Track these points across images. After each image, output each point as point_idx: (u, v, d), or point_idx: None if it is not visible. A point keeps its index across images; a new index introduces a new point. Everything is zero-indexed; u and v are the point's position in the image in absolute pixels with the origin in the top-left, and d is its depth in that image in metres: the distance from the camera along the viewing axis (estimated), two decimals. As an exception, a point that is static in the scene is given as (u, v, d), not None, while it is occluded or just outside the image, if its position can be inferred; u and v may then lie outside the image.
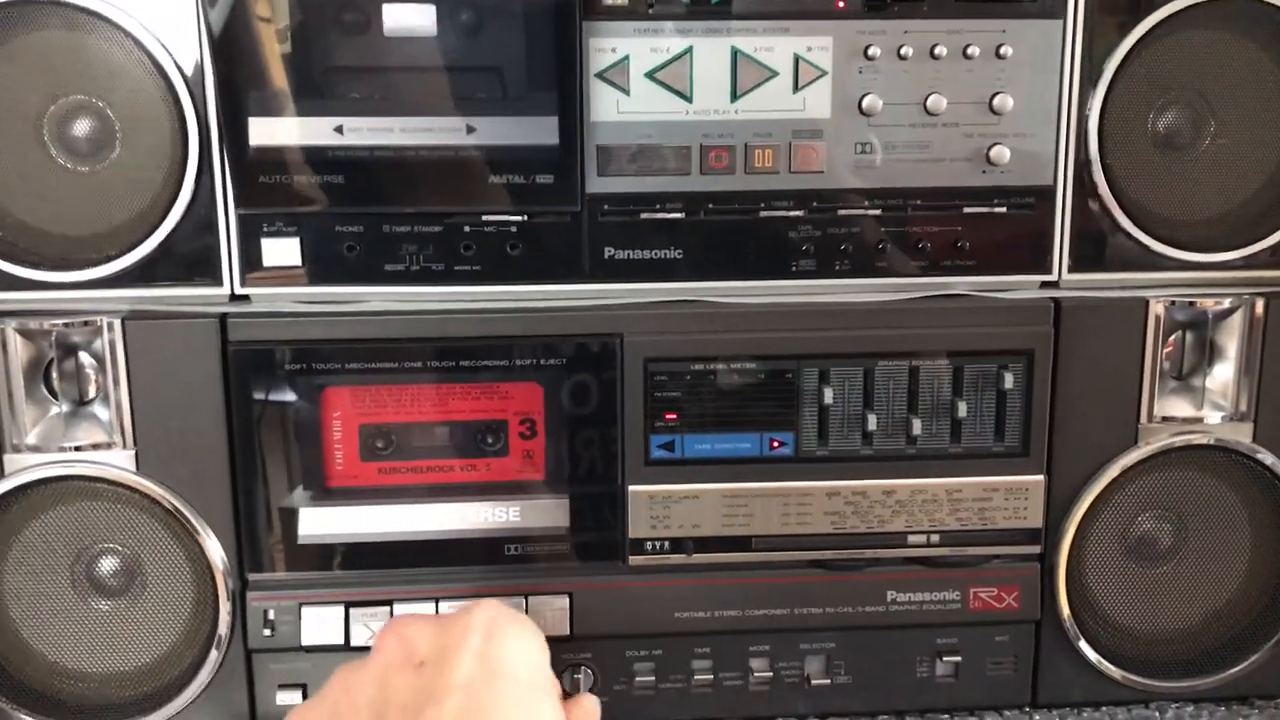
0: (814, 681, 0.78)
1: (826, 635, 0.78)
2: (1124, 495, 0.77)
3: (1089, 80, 0.72)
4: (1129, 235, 0.74)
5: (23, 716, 0.73)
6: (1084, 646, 0.78)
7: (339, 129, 0.68)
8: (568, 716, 0.60)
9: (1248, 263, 0.76)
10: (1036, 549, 0.77)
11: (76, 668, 0.74)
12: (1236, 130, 0.74)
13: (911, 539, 0.76)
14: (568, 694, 0.66)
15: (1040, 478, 0.76)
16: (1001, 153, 0.72)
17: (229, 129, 0.68)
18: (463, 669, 0.55)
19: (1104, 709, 0.80)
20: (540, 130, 0.69)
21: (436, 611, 0.74)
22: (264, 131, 0.68)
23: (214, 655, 0.74)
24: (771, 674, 0.78)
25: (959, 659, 0.79)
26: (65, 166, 0.69)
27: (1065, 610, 0.78)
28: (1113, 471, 0.76)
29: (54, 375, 0.71)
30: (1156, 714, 0.80)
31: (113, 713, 0.75)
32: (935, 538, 0.76)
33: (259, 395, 0.72)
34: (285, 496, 0.73)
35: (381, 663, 0.57)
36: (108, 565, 0.74)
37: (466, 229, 0.71)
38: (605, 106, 0.70)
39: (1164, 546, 0.79)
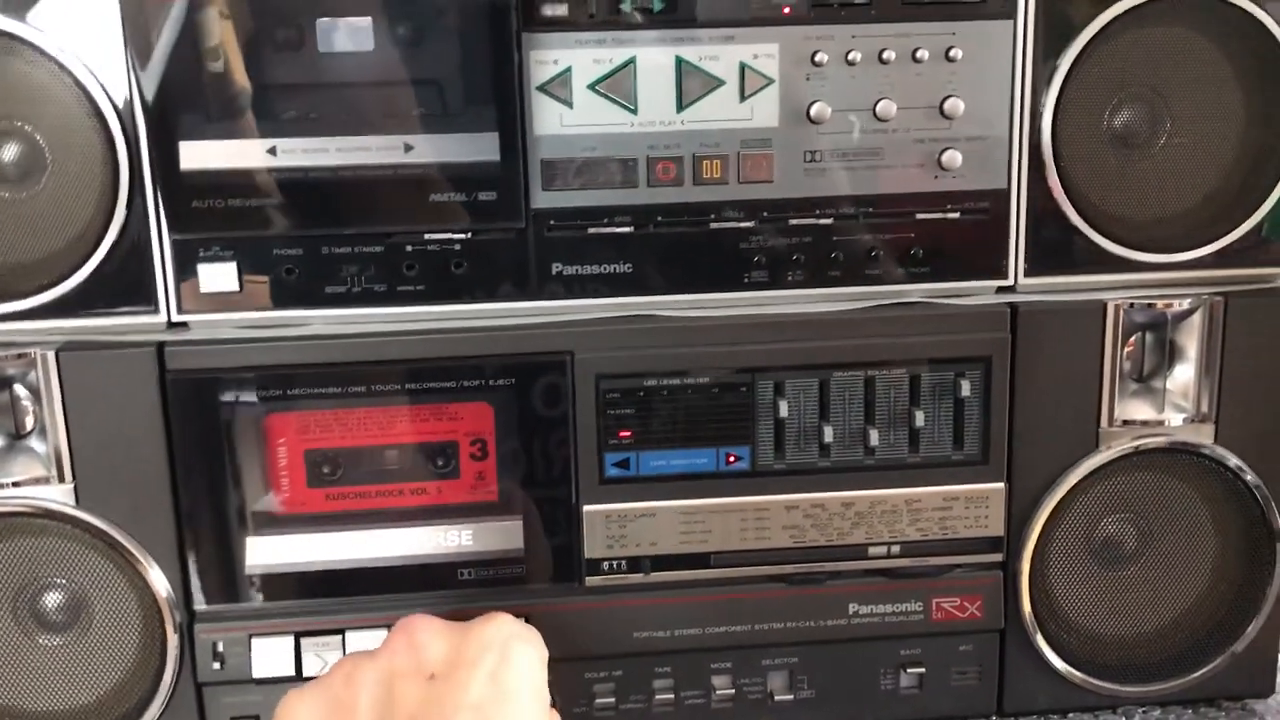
0: (777, 697, 0.77)
1: (789, 650, 0.77)
2: (1086, 500, 0.77)
3: (1042, 80, 0.71)
4: (1085, 237, 0.73)
5: (-33, 760, 0.72)
6: (1049, 653, 0.77)
7: (273, 150, 0.66)
8: None
9: (1206, 262, 0.75)
10: (999, 557, 0.76)
11: (21, 706, 0.73)
12: (1193, 128, 0.73)
13: (872, 550, 0.75)
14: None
15: (1001, 485, 0.75)
16: (954, 157, 0.71)
17: (159, 153, 0.66)
18: (475, 689, 0.55)
19: (1070, 715, 0.80)
20: (481, 146, 0.67)
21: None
22: (195, 155, 0.66)
23: (163, 690, 0.72)
24: (734, 691, 0.77)
25: (923, 670, 0.78)
26: (-7, 194, 0.67)
27: (1029, 618, 0.77)
28: (1074, 477, 0.75)
29: (-12, 408, 0.70)
30: (1123, 718, 0.79)
31: (62, 751, 0.73)
32: (896, 549, 0.75)
33: (200, 424, 0.70)
34: (230, 526, 0.71)
35: (389, 666, 0.57)
36: (51, 600, 0.72)
37: (409, 248, 0.69)
38: (548, 120, 0.68)
39: (1128, 551, 0.78)
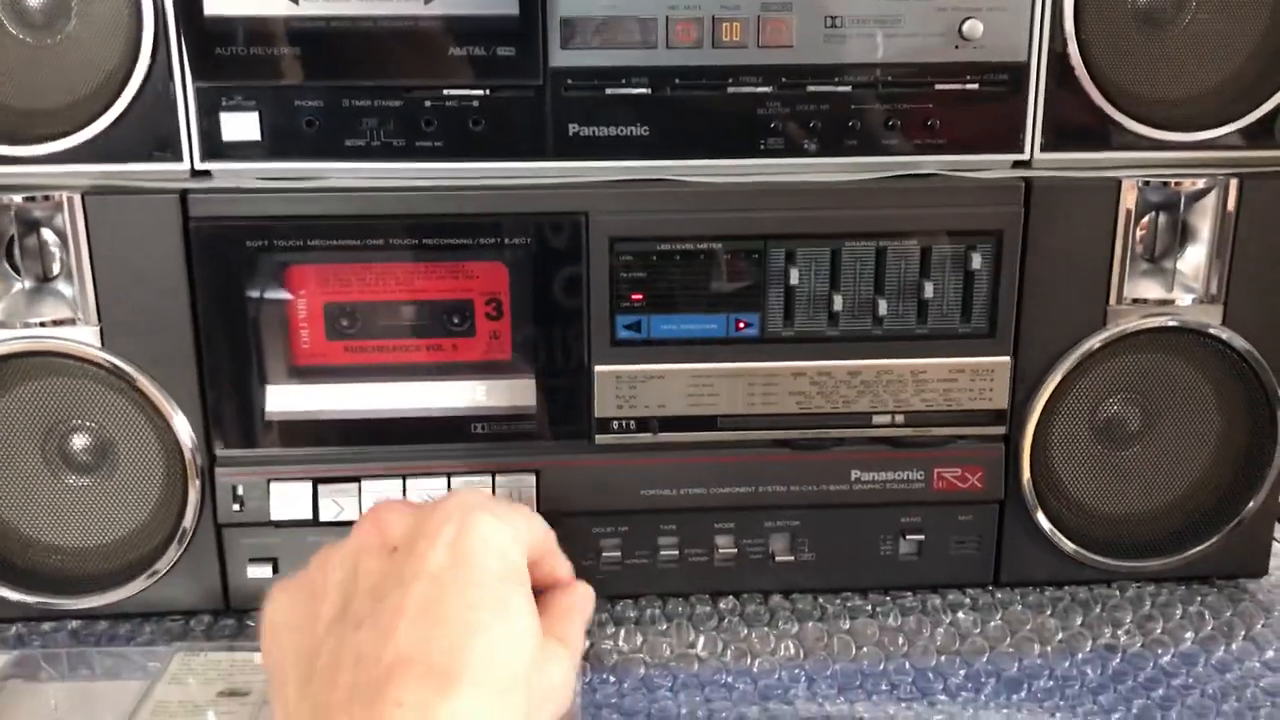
0: (778, 558, 0.79)
1: (791, 513, 0.79)
2: (1091, 378, 0.77)
3: (1067, -49, 0.71)
4: (1104, 114, 0.73)
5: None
6: (1047, 526, 0.79)
7: (295, -2, 0.67)
8: (553, 605, 0.61)
9: (1224, 143, 0.74)
10: (1001, 430, 0.78)
11: (52, 541, 0.76)
12: (1218, 6, 0.72)
13: (876, 419, 0.76)
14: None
15: (1006, 359, 0.76)
16: (975, 27, 0.71)
17: (183, -3, 0.67)
18: (433, 557, 0.55)
19: (1066, 588, 0.82)
20: (499, 0, 0.67)
21: (404, 489, 0.75)
22: (219, 1, 0.67)
23: (184, 530, 0.75)
24: (736, 551, 0.79)
25: (922, 538, 0.79)
26: (20, 38, 0.68)
27: (1029, 491, 0.78)
28: (1080, 353, 0.76)
29: (16, 251, 0.71)
30: (1117, 593, 0.81)
31: (89, 584, 0.76)
32: (900, 418, 0.76)
33: (222, 272, 0.71)
34: (251, 373, 0.73)
35: (356, 546, 0.57)
36: (78, 441, 0.74)
37: (428, 104, 0.70)
38: (568, -24, 0.69)
39: (1130, 429, 0.79)
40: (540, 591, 0.60)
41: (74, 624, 0.77)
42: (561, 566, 0.64)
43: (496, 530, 0.57)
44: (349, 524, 0.74)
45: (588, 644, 0.75)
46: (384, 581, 0.54)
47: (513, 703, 0.52)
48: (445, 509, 0.58)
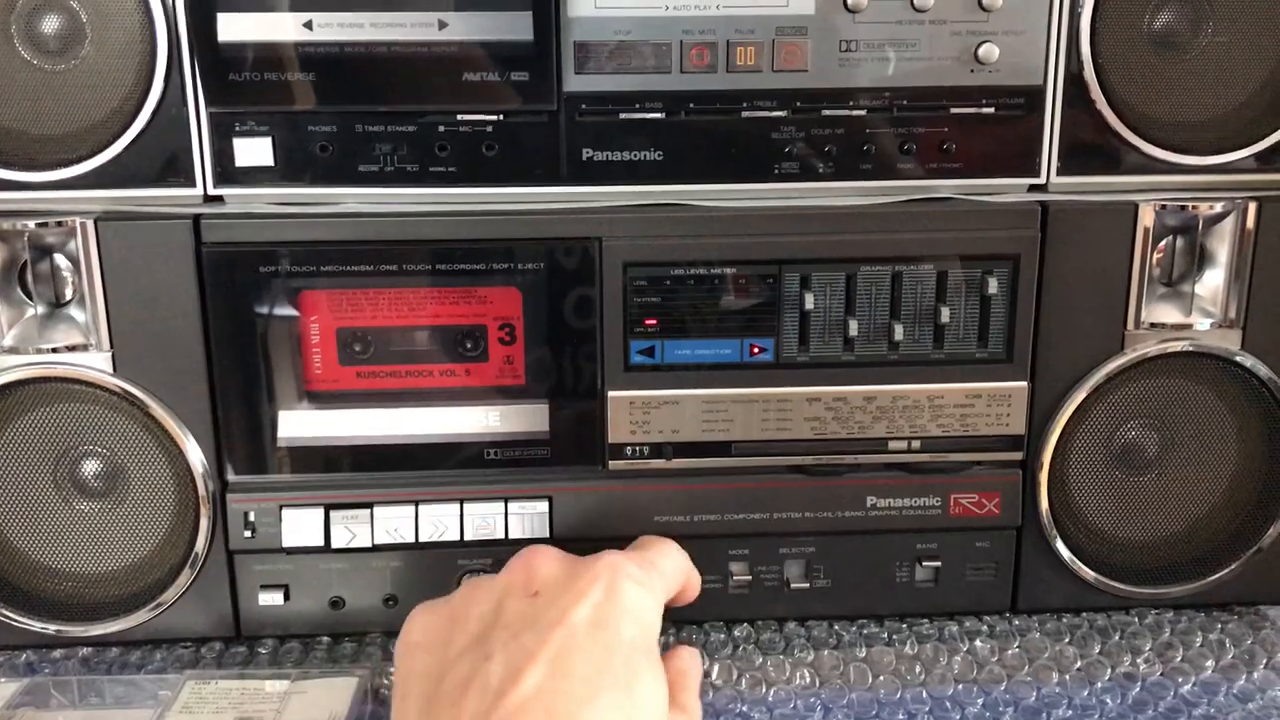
0: (793, 585, 0.79)
1: (806, 540, 0.78)
2: (1109, 402, 0.77)
3: (1083, -24, 0.70)
4: (1120, 137, 0.73)
5: (7, 614, 0.74)
6: (1065, 553, 0.78)
7: (308, 24, 0.67)
8: (669, 669, 0.61)
9: (1241, 166, 0.74)
10: (1019, 456, 0.77)
11: (61, 567, 0.75)
12: (1235, 29, 0.72)
13: (892, 445, 0.76)
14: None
15: (1024, 384, 0.75)
16: (990, 51, 0.71)
17: (197, 24, 0.67)
18: (577, 612, 0.57)
19: (1084, 615, 0.81)
20: (514, 25, 0.67)
21: (416, 515, 0.75)
22: (233, 27, 0.67)
23: (195, 556, 0.74)
24: (750, 578, 0.78)
25: (939, 564, 0.79)
26: (35, 65, 0.68)
27: (1046, 517, 0.78)
28: (1098, 378, 0.76)
29: (29, 277, 0.71)
30: (1136, 620, 0.80)
31: (99, 611, 0.75)
32: (916, 444, 0.76)
33: (234, 297, 0.71)
34: (263, 399, 0.73)
35: (504, 584, 0.60)
36: (89, 467, 0.74)
37: (441, 129, 0.70)
38: (582, 1, 0.68)
39: (1149, 454, 0.78)
40: None
41: (85, 651, 0.77)
42: (693, 584, 0.67)
43: (642, 599, 0.60)
44: (361, 550, 0.75)
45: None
46: (523, 622, 0.57)
47: None
48: (597, 569, 0.59)
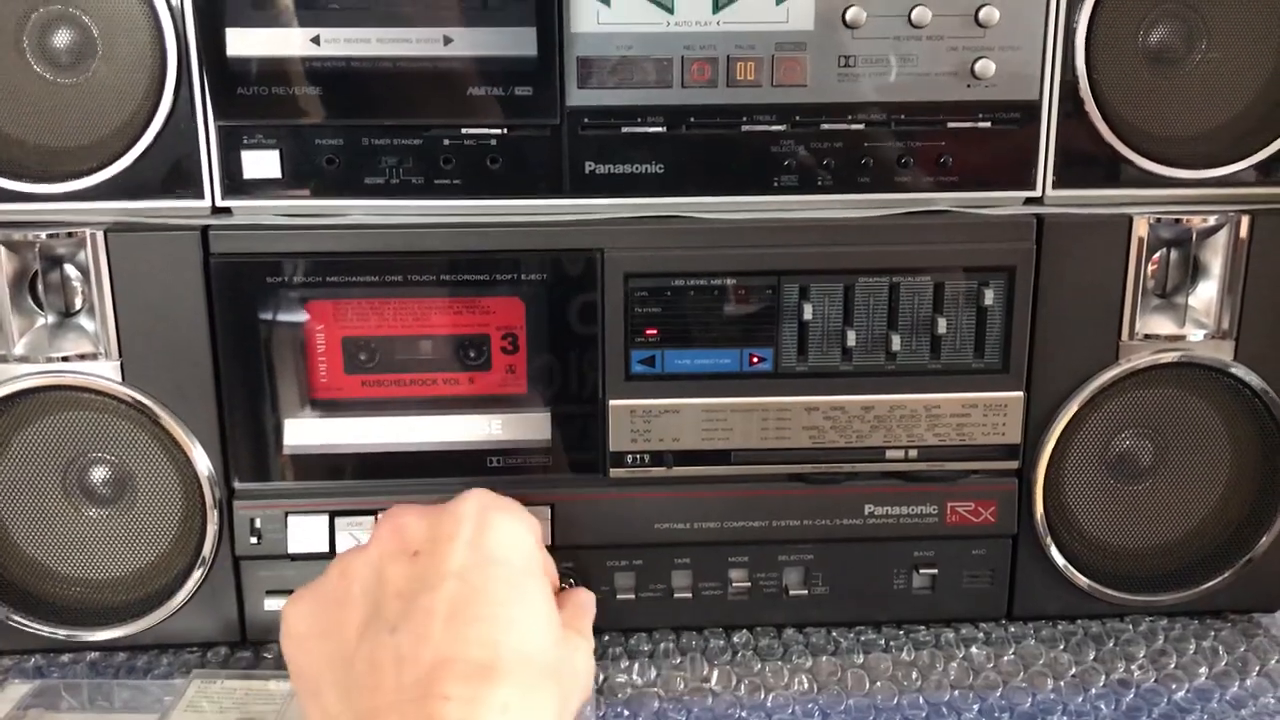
0: (792, 592, 0.79)
1: (804, 547, 0.79)
2: (1104, 412, 0.78)
3: (1078, -8, 0.71)
4: (1115, 151, 0.74)
5: (17, 619, 0.75)
6: (1060, 561, 0.79)
7: (316, 40, 0.68)
8: (565, 602, 0.63)
9: (1235, 179, 0.75)
10: (1014, 465, 0.78)
11: (69, 573, 0.76)
12: (1228, 44, 0.73)
13: (890, 454, 0.77)
14: (562, 587, 0.69)
15: (1019, 394, 0.76)
16: (987, 66, 0.72)
17: (206, 39, 0.68)
18: (456, 556, 0.57)
19: (1079, 622, 0.82)
20: (518, 41, 0.68)
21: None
22: (242, 42, 0.68)
23: (202, 562, 0.75)
24: (750, 584, 0.79)
25: (935, 572, 0.80)
26: (46, 78, 0.69)
27: (1042, 525, 0.79)
28: (1093, 388, 0.77)
29: (40, 287, 0.72)
30: (1130, 627, 0.81)
31: (108, 616, 0.76)
32: (913, 453, 0.77)
33: (242, 307, 0.72)
34: (270, 407, 0.74)
35: (378, 552, 0.59)
36: (98, 474, 0.75)
37: (446, 142, 0.71)
38: (585, 17, 0.69)
39: (1143, 464, 0.79)
40: None
41: (93, 655, 0.78)
42: (549, 563, 0.65)
43: (513, 525, 0.60)
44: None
45: (600, 677, 0.76)
46: (411, 585, 0.56)
47: (548, 689, 0.55)
48: (460, 510, 0.60)
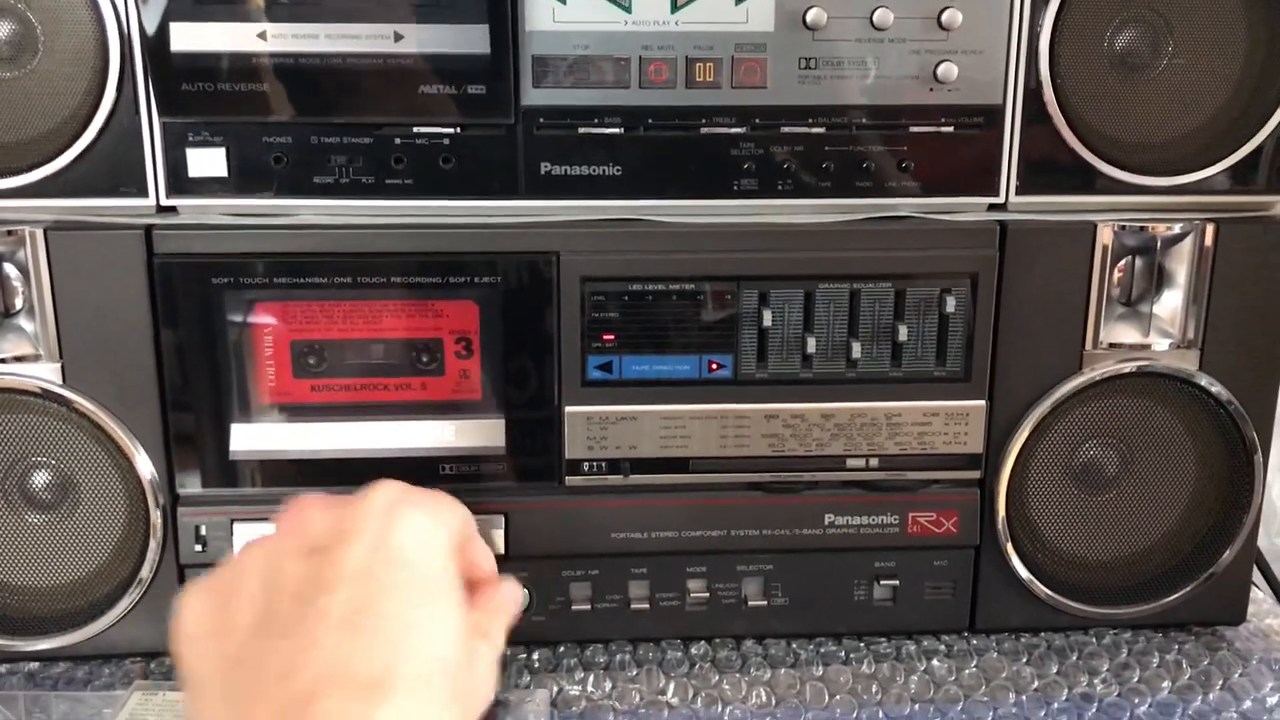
0: (751, 603, 0.78)
1: (764, 557, 0.78)
2: (1067, 422, 0.77)
3: (1042, -5, 0.70)
4: (1079, 158, 0.73)
5: (-47, 629, 0.73)
6: (1023, 572, 0.78)
7: (263, 35, 0.66)
8: (480, 601, 0.59)
9: (1200, 187, 0.74)
10: (976, 474, 0.77)
11: (7, 580, 0.74)
12: (1194, 51, 0.72)
13: (850, 462, 0.76)
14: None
15: (981, 403, 0.75)
16: (949, 70, 0.71)
17: (150, 34, 0.66)
18: (355, 557, 0.53)
19: (1042, 635, 0.81)
20: (471, 38, 0.67)
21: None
22: (186, 36, 0.66)
23: (146, 569, 0.73)
24: (708, 595, 0.78)
25: (897, 583, 0.78)
26: (-14, 72, 0.68)
27: (1004, 536, 0.77)
28: (1055, 398, 0.75)
29: (-22, 286, 0.70)
30: (1094, 640, 0.80)
31: (47, 625, 0.74)
32: (874, 461, 0.76)
33: (186, 309, 0.70)
34: (215, 412, 0.72)
35: (276, 548, 0.55)
36: (39, 479, 0.73)
37: (397, 141, 0.69)
38: (540, 15, 0.68)
39: (1107, 474, 0.78)
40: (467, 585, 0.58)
41: (31, 666, 0.75)
42: (483, 554, 0.62)
43: (421, 526, 0.56)
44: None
45: (554, 689, 0.74)
46: (308, 586, 0.52)
47: (444, 706, 0.51)
48: (367, 505, 0.56)
